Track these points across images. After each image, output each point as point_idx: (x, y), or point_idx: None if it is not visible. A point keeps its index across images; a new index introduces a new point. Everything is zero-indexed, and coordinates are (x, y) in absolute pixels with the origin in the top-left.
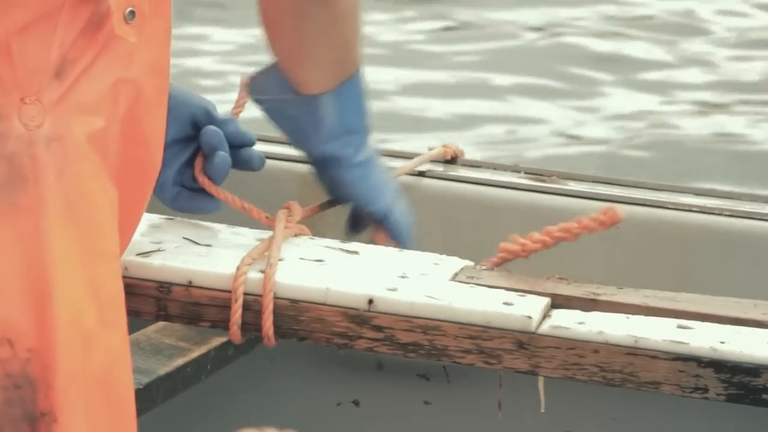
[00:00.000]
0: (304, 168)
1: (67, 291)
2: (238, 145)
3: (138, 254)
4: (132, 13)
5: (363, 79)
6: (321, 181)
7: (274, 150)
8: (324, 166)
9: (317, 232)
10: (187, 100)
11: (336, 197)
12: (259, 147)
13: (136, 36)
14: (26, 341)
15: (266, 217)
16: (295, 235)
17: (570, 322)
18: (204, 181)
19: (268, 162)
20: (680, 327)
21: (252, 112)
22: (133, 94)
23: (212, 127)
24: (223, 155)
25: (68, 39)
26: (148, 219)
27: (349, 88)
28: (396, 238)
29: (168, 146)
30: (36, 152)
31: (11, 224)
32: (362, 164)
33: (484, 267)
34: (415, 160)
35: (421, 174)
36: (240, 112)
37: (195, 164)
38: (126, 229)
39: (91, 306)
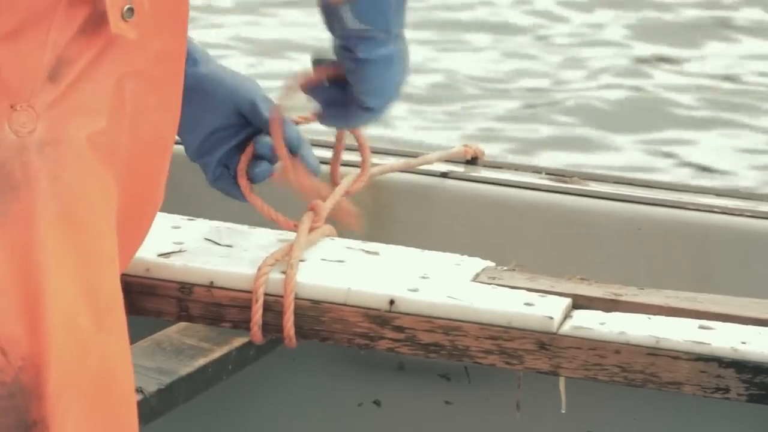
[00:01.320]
0: (325, 167)
1: (61, 297)
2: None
3: (159, 255)
4: (131, 10)
5: None
6: (338, 58)
7: None
8: (340, 51)
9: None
10: (236, 90)
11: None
12: None
13: (135, 33)
14: (19, 349)
15: (294, 225)
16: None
17: (591, 322)
18: (242, 182)
19: None
20: (702, 327)
21: None
22: (141, 85)
23: (266, 138)
24: (267, 166)
25: (63, 40)
26: (169, 219)
27: None
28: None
29: (211, 134)
30: (28, 159)
31: (2, 233)
32: (374, 61)
33: (505, 267)
34: (434, 154)
35: (443, 175)
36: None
37: (240, 161)
38: (143, 221)
39: (86, 310)
